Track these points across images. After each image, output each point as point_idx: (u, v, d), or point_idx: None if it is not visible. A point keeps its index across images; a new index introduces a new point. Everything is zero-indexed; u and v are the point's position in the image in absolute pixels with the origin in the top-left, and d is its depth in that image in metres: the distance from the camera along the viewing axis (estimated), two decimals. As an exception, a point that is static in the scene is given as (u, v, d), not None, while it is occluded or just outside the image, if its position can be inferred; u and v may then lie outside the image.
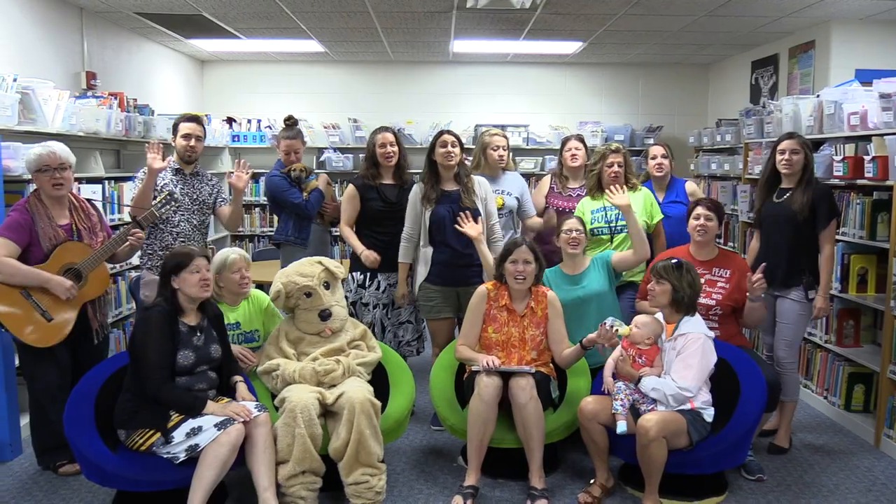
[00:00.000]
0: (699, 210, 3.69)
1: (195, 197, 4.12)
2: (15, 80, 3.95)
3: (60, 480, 3.49)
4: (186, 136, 4.08)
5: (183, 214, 4.05)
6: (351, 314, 3.91)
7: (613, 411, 3.19)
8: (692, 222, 3.71)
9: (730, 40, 6.70)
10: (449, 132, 4.02)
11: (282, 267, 3.80)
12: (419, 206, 3.98)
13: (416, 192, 4.04)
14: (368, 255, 4.05)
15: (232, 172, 4.05)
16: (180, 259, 3.12)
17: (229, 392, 3.23)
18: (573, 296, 3.74)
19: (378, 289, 4.15)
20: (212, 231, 6.79)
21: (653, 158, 4.51)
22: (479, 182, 4.08)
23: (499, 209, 4.17)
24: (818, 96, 4.66)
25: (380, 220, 4.14)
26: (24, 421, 3.72)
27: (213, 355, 3.17)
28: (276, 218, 4.83)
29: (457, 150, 3.97)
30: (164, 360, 3.01)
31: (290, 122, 4.76)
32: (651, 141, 7.79)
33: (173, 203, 3.79)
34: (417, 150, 7.79)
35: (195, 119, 4.20)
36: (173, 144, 4.15)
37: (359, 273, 4.15)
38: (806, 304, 3.76)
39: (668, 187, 4.52)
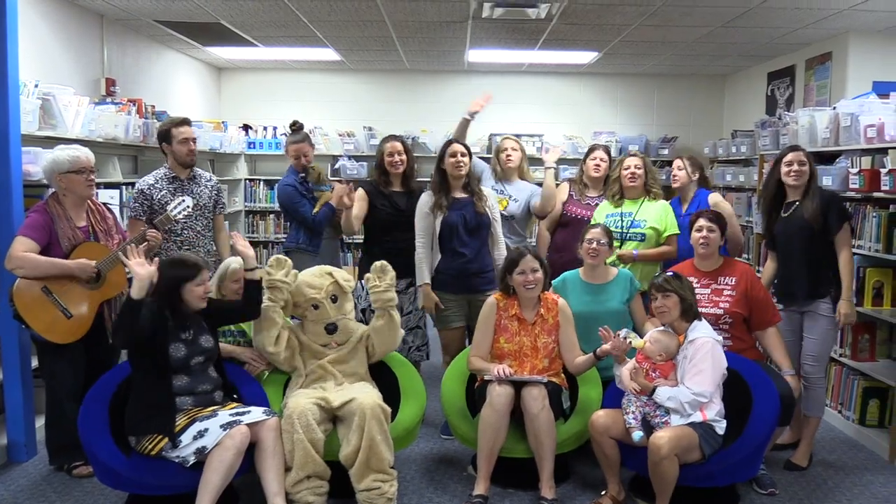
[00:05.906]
0: (701, 222, 3.69)
1: (196, 202, 4.10)
2: (36, 86, 4.01)
3: (74, 482, 3.52)
4: (185, 141, 4.10)
5: (186, 222, 4.06)
6: (360, 320, 3.93)
7: (627, 425, 3.19)
8: (694, 234, 3.70)
9: (746, 51, 6.68)
10: (457, 142, 4.06)
11: None
12: (430, 214, 4.00)
13: (424, 200, 4.05)
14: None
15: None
16: (190, 271, 3.12)
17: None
18: (590, 308, 3.69)
19: None
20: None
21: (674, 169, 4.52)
22: (487, 192, 4.15)
23: (502, 210, 4.26)
24: (834, 108, 4.63)
25: (389, 228, 4.17)
26: (39, 423, 3.76)
27: (205, 345, 3.18)
28: (290, 224, 4.85)
29: (466, 159, 4.01)
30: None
31: (296, 127, 4.77)
32: (666, 151, 7.80)
33: (187, 208, 3.81)
34: (432, 158, 7.76)
35: (189, 122, 4.23)
36: (166, 152, 4.14)
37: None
38: (834, 317, 3.69)
39: (691, 199, 4.48)
